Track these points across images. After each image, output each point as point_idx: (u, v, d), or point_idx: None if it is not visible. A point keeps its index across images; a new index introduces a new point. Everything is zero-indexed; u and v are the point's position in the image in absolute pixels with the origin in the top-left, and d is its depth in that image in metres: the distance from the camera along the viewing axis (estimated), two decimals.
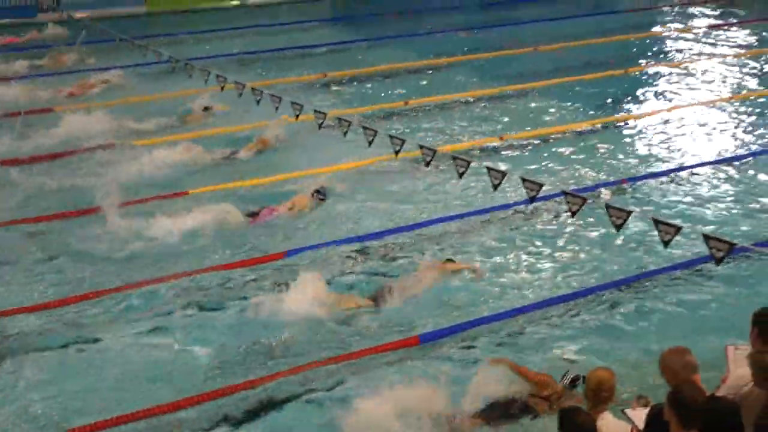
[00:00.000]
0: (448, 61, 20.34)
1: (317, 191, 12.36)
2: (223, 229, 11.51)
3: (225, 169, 13.86)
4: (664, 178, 13.45)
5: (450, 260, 10.55)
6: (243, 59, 20.50)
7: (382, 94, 17.82)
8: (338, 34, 23.33)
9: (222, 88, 13.53)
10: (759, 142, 15.16)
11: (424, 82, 18.65)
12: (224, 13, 26.72)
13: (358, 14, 26.05)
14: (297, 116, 11.96)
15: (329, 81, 18.73)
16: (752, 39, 22.72)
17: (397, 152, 10.27)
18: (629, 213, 8.01)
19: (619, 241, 11.14)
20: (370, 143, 10.67)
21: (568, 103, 17.23)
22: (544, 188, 8.69)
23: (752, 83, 18.75)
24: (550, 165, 14.01)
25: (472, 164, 9.36)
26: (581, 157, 14.40)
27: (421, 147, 10.01)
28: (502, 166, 11.84)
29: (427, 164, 9.97)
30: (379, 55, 20.52)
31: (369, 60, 19.98)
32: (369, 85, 18.57)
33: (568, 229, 11.65)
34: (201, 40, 22.53)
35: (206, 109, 16.32)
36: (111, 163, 13.80)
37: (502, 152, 14.66)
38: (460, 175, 9.39)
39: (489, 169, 9.18)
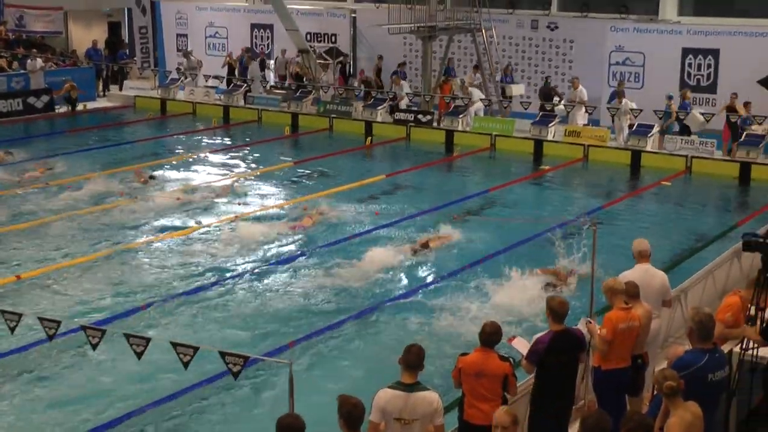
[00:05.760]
0: None
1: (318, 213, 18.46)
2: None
3: None
4: (183, 297, 14.32)
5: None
6: None
7: None
8: None
9: None
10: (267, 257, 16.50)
11: None
12: None
13: None
14: None
15: None
16: (250, 161, 24.64)
17: None
18: (149, 340, 8.31)
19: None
20: None
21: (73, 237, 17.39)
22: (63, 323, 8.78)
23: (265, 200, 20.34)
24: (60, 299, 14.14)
25: None
26: (91, 287, 14.72)
27: None
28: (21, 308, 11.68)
29: None
30: None
31: None
32: None
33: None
34: None
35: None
36: None
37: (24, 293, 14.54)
38: None
39: (3, 312, 8.99)
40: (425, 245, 16.60)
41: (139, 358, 8.23)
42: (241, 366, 7.78)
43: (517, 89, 28.46)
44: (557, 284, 14.66)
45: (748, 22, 26.70)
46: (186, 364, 8.01)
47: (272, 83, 32.43)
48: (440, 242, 16.87)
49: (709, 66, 26.35)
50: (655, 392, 7.77)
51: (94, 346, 8.49)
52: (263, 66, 33.01)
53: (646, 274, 9.97)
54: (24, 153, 24.27)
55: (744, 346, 8.80)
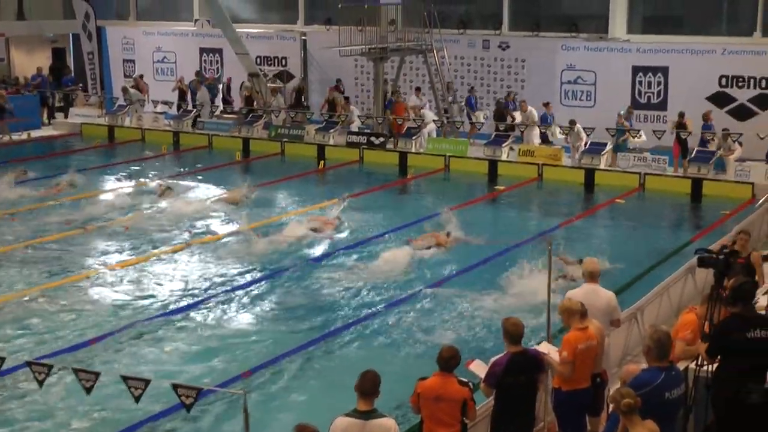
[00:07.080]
0: None
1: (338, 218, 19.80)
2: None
3: None
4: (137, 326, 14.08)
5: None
6: None
7: None
8: None
9: None
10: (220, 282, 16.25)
11: None
12: None
13: None
14: None
15: None
16: (201, 187, 24.23)
17: None
18: (98, 374, 8.09)
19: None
20: None
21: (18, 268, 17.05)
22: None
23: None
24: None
25: None
26: (38, 320, 14.38)
27: None
28: None
29: None
30: None
31: None
32: None
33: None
34: None
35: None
36: None
37: None
38: None
39: None
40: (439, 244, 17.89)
41: (88, 393, 8.00)
42: (194, 398, 7.60)
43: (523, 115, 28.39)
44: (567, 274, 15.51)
45: (696, 39, 27.07)
46: (137, 399, 7.80)
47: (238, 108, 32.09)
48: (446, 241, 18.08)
49: (659, 83, 26.65)
50: (611, 410, 7.71)
51: (41, 383, 8.24)
52: (229, 90, 32.65)
53: (591, 294, 9.92)
54: None
55: (699, 363, 8.81)
